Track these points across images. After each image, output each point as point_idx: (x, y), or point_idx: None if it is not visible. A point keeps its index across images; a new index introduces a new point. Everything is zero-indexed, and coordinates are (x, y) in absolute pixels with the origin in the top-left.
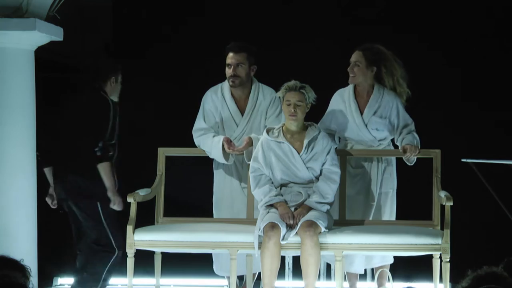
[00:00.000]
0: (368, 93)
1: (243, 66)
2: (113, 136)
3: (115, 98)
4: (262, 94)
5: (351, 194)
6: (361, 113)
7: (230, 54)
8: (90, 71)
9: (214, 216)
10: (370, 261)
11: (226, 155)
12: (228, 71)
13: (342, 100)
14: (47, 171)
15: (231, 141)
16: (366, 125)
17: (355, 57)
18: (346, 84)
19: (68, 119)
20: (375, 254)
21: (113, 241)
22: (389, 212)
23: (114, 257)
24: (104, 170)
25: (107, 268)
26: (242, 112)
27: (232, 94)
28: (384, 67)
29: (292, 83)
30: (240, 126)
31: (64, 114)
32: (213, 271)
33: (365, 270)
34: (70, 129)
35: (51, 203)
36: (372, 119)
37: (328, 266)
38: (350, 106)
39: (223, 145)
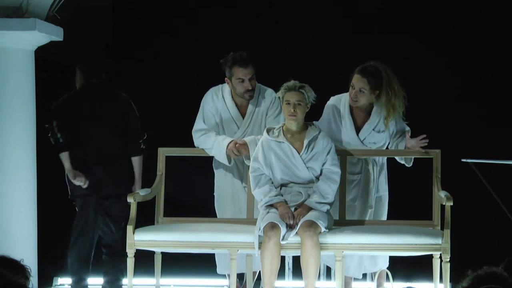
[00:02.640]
0: (366, 108)
1: (254, 78)
2: None
3: None
4: (263, 96)
5: (348, 200)
6: (356, 127)
7: (239, 69)
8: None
9: (217, 215)
10: (373, 267)
11: (229, 157)
12: (243, 86)
13: (337, 111)
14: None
15: (236, 143)
16: (362, 141)
17: (360, 83)
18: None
19: None
20: (378, 257)
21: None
22: (383, 213)
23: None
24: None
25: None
26: (243, 115)
27: (233, 99)
28: (385, 92)
29: (292, 83)
30: (241, 129)
31: None
32: (214, 270)
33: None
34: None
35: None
36: (371, 134)
37: (328, 267)
38: (345, 120)
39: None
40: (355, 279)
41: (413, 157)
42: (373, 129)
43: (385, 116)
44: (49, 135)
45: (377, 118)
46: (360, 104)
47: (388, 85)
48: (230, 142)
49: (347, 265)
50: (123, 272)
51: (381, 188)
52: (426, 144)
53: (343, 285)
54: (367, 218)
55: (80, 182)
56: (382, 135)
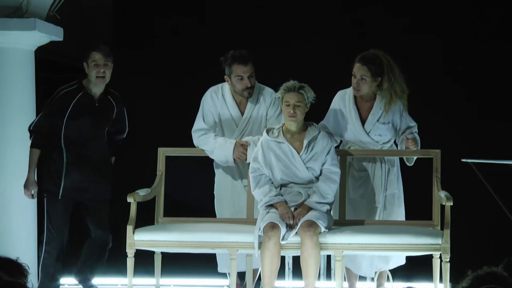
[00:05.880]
0: (370, 99)
1: (253, 76)
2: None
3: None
4: (262, 96)
5: (355, 197)
6: (362, 119)
7: (239, 66)
8: None
9: (216, 215)
10: (385, 265)
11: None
12: (242, 83)
13: (343, 105)
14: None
15: (242, 145)
16: (368, 133)
17: (360, 71)
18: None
19: None
20: (390, 256)
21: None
22: (397, 213)
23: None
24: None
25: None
26: (242, 114)
27: (233, 97)
28: (387, 77)
29: (291, 83)
30: (240, 128)
31: None
32: (214, 270)
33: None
34: None
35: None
36: (375, 126)
37: (328, 266)
38: (351, 112)
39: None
40: (361, 277)
41: (415, 157)
42: (378, 120)
43: (386, 102)
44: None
45: (380, 108)
46: (363, 92)
47: (390, 70)
48: (234, 146)
49: (358, 263)
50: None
51: (390, 186)
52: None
53: (343, 285)
54: (376, 217)
55: (32, 194)
56: (388, 127)
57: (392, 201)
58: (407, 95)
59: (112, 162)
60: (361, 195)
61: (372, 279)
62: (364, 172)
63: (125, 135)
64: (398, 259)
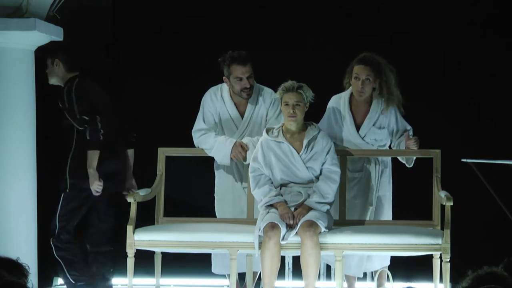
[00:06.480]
0: (366, 103)
1: (252, 76)
2: None
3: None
4: (262, 97)
5: (348, 198)
6: (356, 124)
7: (238, 67)
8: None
9: (217, 216)
10: (370, 265)
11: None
12: (241, 84)
13: (338, 110)
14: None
15: (242, 147)
16: (362, 137)
17: (365, 72)
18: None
19: None
20: (374, 256)
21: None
22: (385, 214)
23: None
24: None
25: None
26: (242, 115)
27: (232, 98)
28: (385, 76)
29: (289, 83)
30: (240, 129)
31: None
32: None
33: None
34: None
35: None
36: (371, 130)
37: (328, 266)
38: (345, 117)
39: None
40: (357, 278)
41: (414, 157)
42: (373, 125)
43: (385, 101)
44: (86, 128)
45: (376, 112)
46: (367, 94)
47: (388, 69)
48: (233, 145)
49: (348, 264)
50: (110, 269)
51: (382, 188)
52: (415, 144)
53: (343, 285)
54: (367, 217)
55: (99, 187)
56: (383, 132)
57: (382, 203)
58: (401, 102)
59: (89, 155)
60: (354, 196)
61: (372, 279)
62: (357, 173)
63: (69, 115)
64: (382, 260)
